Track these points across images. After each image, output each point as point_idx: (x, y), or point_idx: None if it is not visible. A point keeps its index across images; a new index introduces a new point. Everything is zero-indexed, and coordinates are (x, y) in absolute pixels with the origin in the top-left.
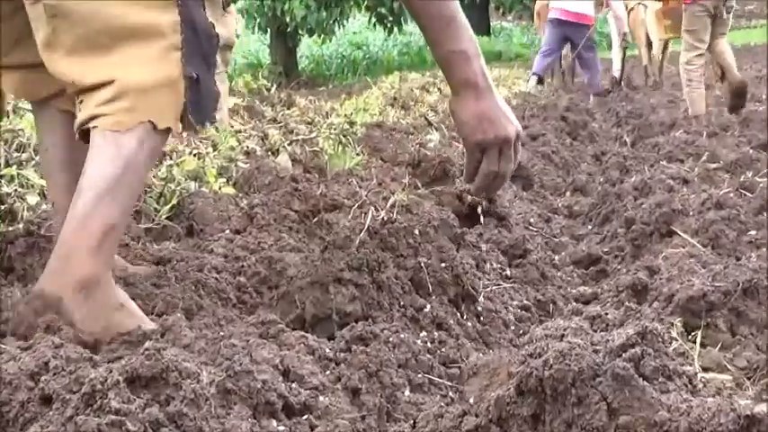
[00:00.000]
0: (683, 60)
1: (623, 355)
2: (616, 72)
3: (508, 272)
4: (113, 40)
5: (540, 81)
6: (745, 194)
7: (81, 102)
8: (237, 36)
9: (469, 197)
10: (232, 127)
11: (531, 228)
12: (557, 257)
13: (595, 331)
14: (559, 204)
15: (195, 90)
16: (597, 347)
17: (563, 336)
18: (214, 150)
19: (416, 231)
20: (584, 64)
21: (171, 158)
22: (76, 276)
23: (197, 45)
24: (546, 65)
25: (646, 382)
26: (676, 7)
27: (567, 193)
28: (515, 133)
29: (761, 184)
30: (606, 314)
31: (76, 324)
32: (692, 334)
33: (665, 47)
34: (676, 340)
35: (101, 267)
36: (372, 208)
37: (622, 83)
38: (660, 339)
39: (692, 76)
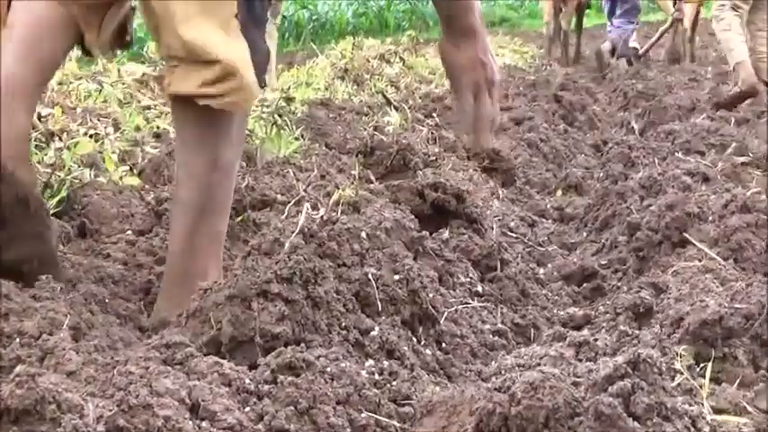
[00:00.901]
0: (717, 12)
1: (609, 389)
2: (634, 42)
3: (479, 288)
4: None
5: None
6: None
7: (175, 66)
8: None
9: (434, 193)
10: (139, 102)
11: (510, 233)
12: (542, 271)
13: (580, 360)
14: (548, 205)
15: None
16: (578, 379)
17: (538, 365)
18: (115, 131)
19: (364, 235)
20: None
21: (61, 140)
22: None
23: (258, 11)
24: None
25: (636, 423)
26: None
27: (558, 192)
28: (498, 75)
29: None
30: (595, 340)
31: None
32: (704, 366)
33: (696, 16)
34: (681, 373)
35: (215, 276)
36: (310, 205)
37: (642, 58)
38: (657, 370)
39: (729, 19)
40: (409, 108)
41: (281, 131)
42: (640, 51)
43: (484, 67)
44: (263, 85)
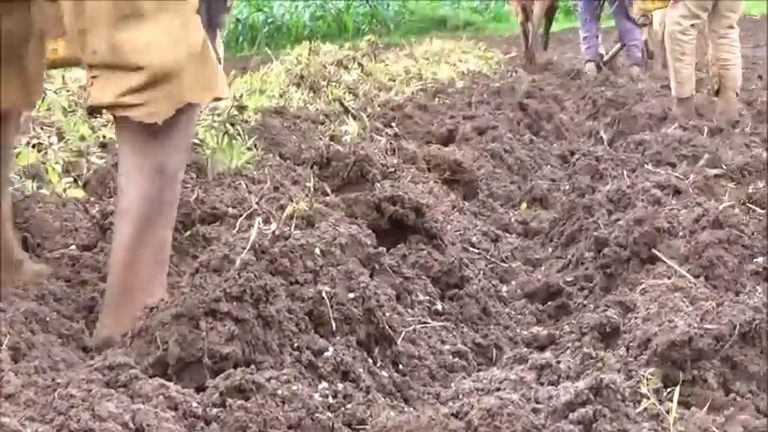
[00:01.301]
0: (677, 29)
1: (570, 415)
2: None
3: (439, 306)
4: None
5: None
6: (752, 210)
7: (95, 77)
8: None
9: (392, 207)
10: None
11: (472, 249)
12: (505, 288)
13: (542, 384)
14: (512, 219)
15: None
16: (538, 405)
17: (498, 389)
18: (59, 141)
19: (318, 251)
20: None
21: None
22: (132, 321)
23: (206, 8)
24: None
25: None
26: None
27: (523, 205)
28: None
29: None
30: (558, 363)
31: None
32: (672, 390)
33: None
34: (647, 398)
35: (160, 291)
36: (262, 219)
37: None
38: (620, 396)
39: (685, 48)
40: (368, 117)
41: (233, 141)
42: (606, 57)
43: None
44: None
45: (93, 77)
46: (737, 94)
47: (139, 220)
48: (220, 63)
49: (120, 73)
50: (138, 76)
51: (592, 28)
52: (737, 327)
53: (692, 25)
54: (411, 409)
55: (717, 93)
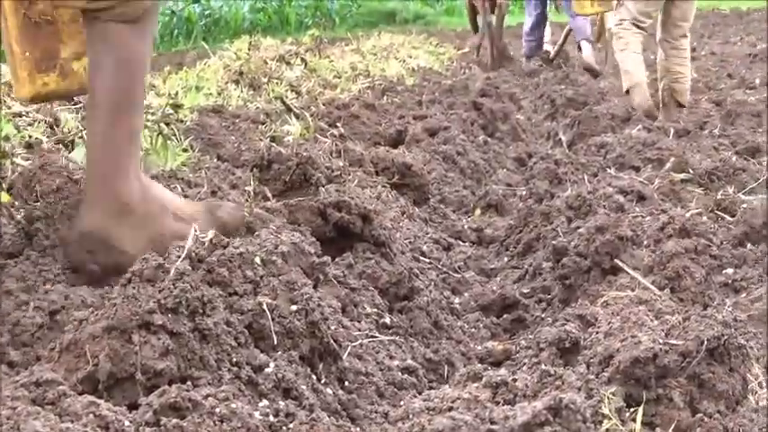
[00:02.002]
0: (617, 27)
1: None
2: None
3: (387, 319)
4: None
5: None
6: (722, 218)
7: None
8: None
9: (337, 213)
10: (9, 108)
11: (422, 258)
12: (457, 300)
13: (497, 404)
14: (465, 226)
15: None
16: (493, 427)
17: (450, 409)
18: None
19: (258, 260)
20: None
21: None
22: (115, 204)
23: None
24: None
25: None
26: None
27: (477, 211)
28: None
29: (744, 204)
30: (514, 380)
31: (129, 251)
32: (636, 410)
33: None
34: (609, 419)
35: (133, 183)
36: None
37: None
38: (580, 417)
39: (628, 38)
40: (311, 116)
41: (168, 142)
42: (551, 55)
43: None
44: None
45: None
46: (684, 107)
47: (111, 109)
48: None
49: None
50: None
51: (535, 30)
52: (705, 342)
53: (634, 24)
54: (357, 428)
55: (665, 104)
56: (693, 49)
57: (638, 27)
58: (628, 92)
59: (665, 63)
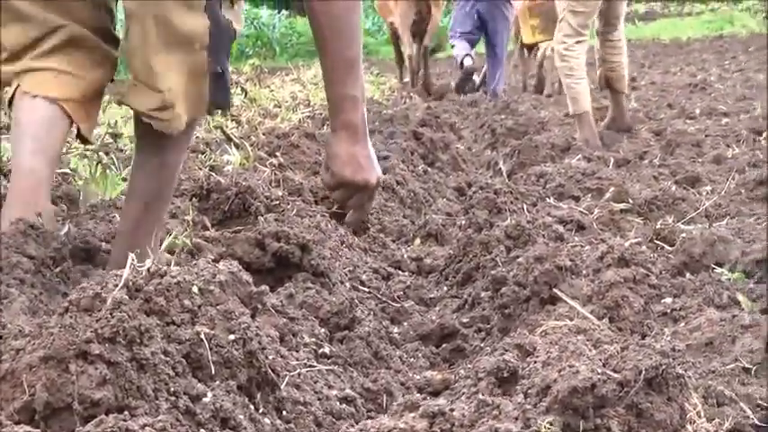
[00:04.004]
0: (561, 47)
1: None
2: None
3: (327, 349)
4: (169, 45)
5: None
6: (661, 247)
7: (135, 85)
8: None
9: (276, 243)
10: None
11: (362, 287)
12: (397, 330)
13: None
14: (404, 255)
15: (222, 82)
16: None
17: None
18: None
19: (196, 289)
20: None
21: None
22: None
23: (220, 41)
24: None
25: None
26: (545, 2)
27: (416, 241)
28: (377, 180)
29: (684, 234)
30: (452, 410)
31: None
32: None
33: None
34: None
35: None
36: (136, 255)
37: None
38: None
39: (573, 63)
40: (251, 146)
41: (108, 171)
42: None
43: (360, 168)
44: (231, 107)
45: (134, 85)
46: (626, 95)
47: (146, 198)
48: (232, 32)
49: (149, 89)
50: (157, 98)
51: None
52: (643, 372)
53: (578, 42)
54: None
55: (608, 86)
56: (633, 79)
57: (581, 41)
58: (572, 117)
59: (602, 53)
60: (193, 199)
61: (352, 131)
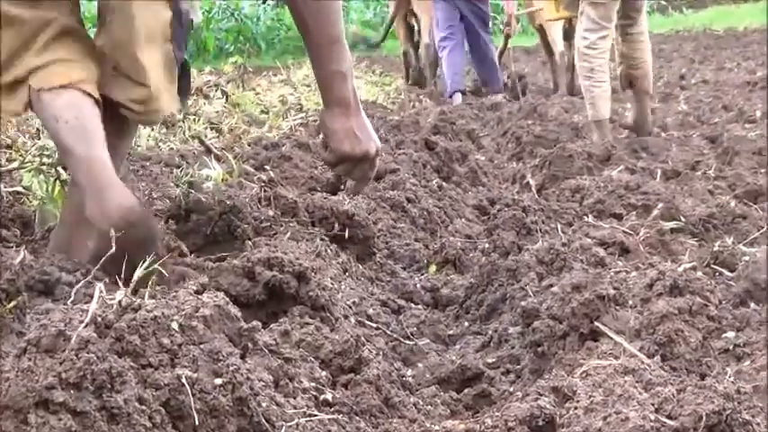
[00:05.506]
0: (583, 44)
1: None
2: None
3: (329, 395)
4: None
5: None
6: (720, 273)
7: (115, 77)
8: None
9: (268, 272)
10: None
11: (368, 323)
12: (410, 373)
13: None
14: (417, 285)
15: (184, 74)
16: None
17: None
18: None
19: (176, 326)
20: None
21: None
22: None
23: (180, 33)
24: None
25: None
26: None
27: (432, 268)
28: (375, 150)
29: (746, 257)
30: None
31: None
32: None
33: (568, 32)
34: None
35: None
36: (104, 286)
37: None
38: None
39: (594, 63)
40: (235, 158)
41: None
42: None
43: (357, 140)
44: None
45: (113, 76)
46: (651, 96)
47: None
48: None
49: (132, 82)
50: (141, 91)
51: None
52: (704, 418)
53: (601, 38)
54: None
55: (630, 86)
56: (682, 77)
57: (604, 37)
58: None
59: (623, 49)
60: (169, 221)
61: (344, 106)
